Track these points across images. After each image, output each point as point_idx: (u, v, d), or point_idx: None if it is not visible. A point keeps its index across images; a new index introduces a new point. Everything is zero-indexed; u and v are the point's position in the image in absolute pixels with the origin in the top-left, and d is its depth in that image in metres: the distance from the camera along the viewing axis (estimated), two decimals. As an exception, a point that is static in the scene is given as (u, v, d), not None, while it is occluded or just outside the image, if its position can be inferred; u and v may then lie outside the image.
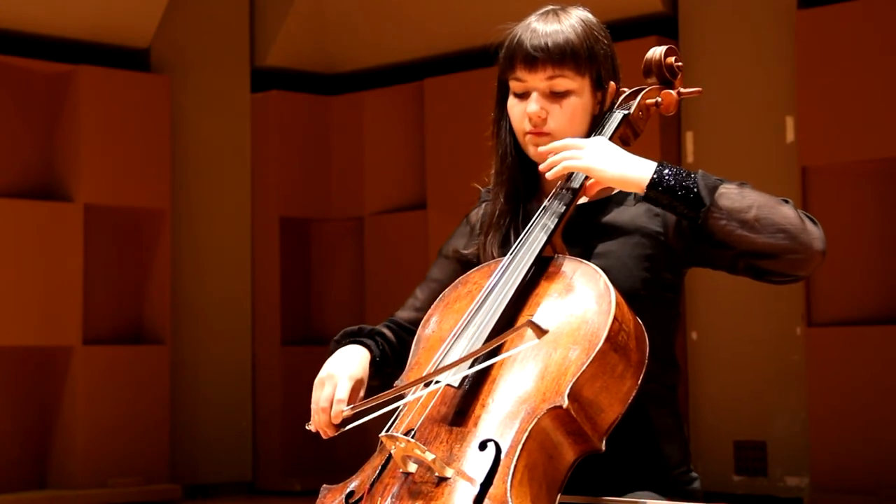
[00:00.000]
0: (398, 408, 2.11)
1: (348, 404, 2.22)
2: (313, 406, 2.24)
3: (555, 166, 2.18)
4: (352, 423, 2.20)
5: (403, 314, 2.48)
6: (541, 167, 2.22)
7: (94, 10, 6.36)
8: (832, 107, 5.39)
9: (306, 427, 2.27)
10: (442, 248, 2.51)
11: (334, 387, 2.23)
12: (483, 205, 2.46)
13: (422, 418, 2.05)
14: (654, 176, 2.12)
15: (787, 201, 2.15)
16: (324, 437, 2.26)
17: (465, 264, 2.43)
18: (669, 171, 2.12)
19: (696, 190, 2.10)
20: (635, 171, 2.13)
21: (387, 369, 2.36)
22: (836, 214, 5.45)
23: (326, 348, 2.40)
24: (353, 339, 2.36)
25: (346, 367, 2.27)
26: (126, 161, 6.39)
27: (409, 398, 2.10)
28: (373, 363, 2.32)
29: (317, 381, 2.26)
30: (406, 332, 2.42)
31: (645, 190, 2.12)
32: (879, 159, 5.35)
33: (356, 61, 7.09)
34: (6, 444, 6.10)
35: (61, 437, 6.19)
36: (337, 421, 2.21)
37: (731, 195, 2.10)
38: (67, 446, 6.17)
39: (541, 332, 1.92)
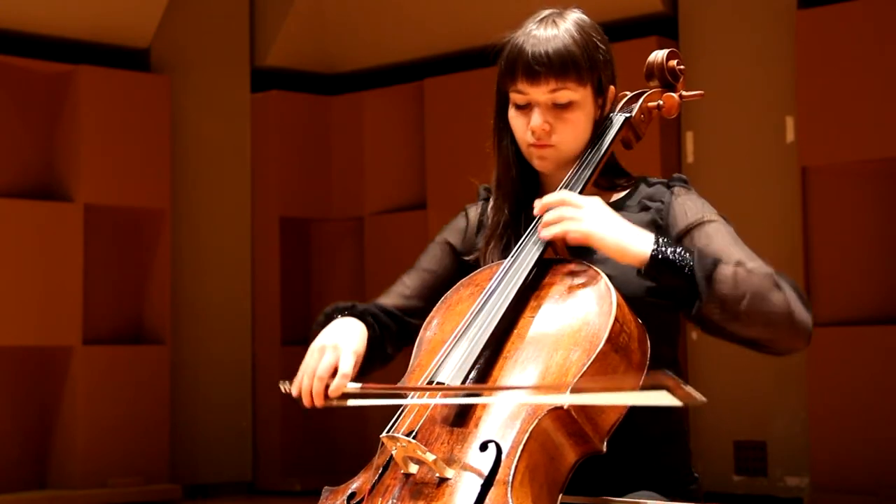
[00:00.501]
0: (400, 407, 2.10)
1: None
2: (307, 371, 2.17)
3: (550, 225, 2.13)
4: (345, 401, 2.13)
5: (388, 300, 2.42)
6: (540, 233, 2.15)
7: (94, 10, 6.36)
8: (832, 107, 5.39)
9: (281, 386, 2.19)
10: (435, 237, 2.49)
11: (337, 358, 2.17)
12: (482, 203, 2.45)
13: (423, 419, 2.05)
14: (653, 254, 2.07)
15: (779, 286, 2.11)
16: (306, 404, 2.17)
17: (461, 264, 2.42)
18: (667, 250, 2.08)
19: (692, 276, 2.05)
20: (634, 243, 2.09)
21: (378, 350, 2.32)
22: (836, 214, 5.45)
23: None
24: (348, 313, 2.31)
25: (349, 340, 2.21)
26: (126, 161, 6.39)
27: (408, 401, 2.09)
28: (369, 341, 2.28)
29: (315, 347, 2.20)
30: (391, 318, 2.37)
31: (643, 265, 2.08)
32: (879, 159, 5.35)
33: (356, 61, 7.09)
34: (6, 444, 6.10)
35: (61, 437, 6.19)
36: (336, 395, 2.13)
37: (727, 282, 2.06)
38: (67, 446, 6.17)
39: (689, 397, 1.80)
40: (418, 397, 2.06)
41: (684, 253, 2.08)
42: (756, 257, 2.18)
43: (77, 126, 6.27)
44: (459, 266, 2.42)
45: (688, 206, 2.26)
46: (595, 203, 2.14)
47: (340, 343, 2.20)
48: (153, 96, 6.51)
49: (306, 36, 7.04)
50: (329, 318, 2.32)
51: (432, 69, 6.71)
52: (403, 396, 2.10)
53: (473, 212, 2.45)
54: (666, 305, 2.24)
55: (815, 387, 5.36)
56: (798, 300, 2.12)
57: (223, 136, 6.90)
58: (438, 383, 2.05)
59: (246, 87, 7.00)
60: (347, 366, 2.16)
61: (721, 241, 2.20)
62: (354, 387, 2.11)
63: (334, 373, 2.16)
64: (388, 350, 2.37)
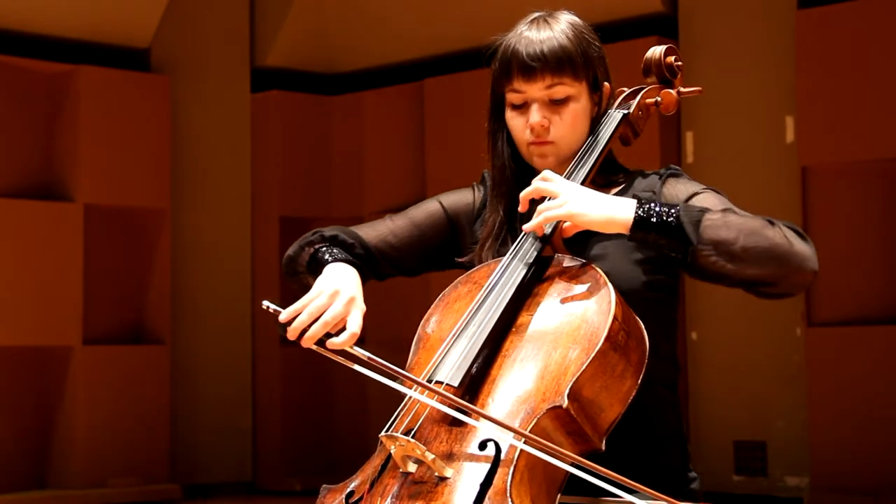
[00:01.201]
0: (400, 406, 2.10)
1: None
2: (312, 311, 2.11)
3: (533, 220, 2.13)
4: (334, 356, 2.09)
5: (371, 237, 2.39)
6: (520, 207, 2.18)
7: (94, 10, 6.36)
8: (832, 107, 5.39)
9: (266, 305, 2.10)
10: (439, 196, 2.47)
11: (348, 313, 2.12)
12: (484, 190, 2.44)
13: (422, 418, 2.05)
14: (638, 213, 2.07)
15: (771, 222, 2.09)
16: (290, 338, 2.12)
17: (449, 236, 2.42)
18: (651, 207, 2.08)
19: (680, 225, 2.05)
20: (618, 211, 2.09)
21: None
22: (836, 214, 5.45)
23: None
24: (343, 258, 2.26)
25: (359, 296, 2.17)
26: (126, 161, 6.39)
27: (398, 386, 2.08)
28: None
29: (328, 289, 2.14)
30: (369, 256, 2.36)
31: (630, 229, 2.08)
32: (879, 159, 5.35)
33: (356, 61, 7.09)
34: (6, 444, 6.10)
35: (61, 437, 6.19)
36: (335, 347, 2.09)
37: (716, 226, 2.05)
38: (67, 446, 6.17)
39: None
40: (419, 391, 2.06)
41: (669, 208, 2.08)
42: (749, 214, 2.16)
43: (77, 126, 6.27)
44: (446, 237, 2.42)
45: (678, 189, 2.28)
46: (569, 184, 2.14)
47: (355, 297, 2.16)
48: (153, 96, 6.52)
49: (306, 36, 7.04)
50: (322, 242, 2.30)
51: (432, 69, 6.71)
52: (397, 380, 2.07)
53: (479, 194, 2.45)
54: (664, 300, 2.25)
55: (815, 387, 5.36)
56: (795, 234, 2.09)
57: (223, 136, 6.90)
58: (437, 382, 2.05)
59: (246, 87, 7.00)
60: (357, 325, 2.12)
61: (712, 203, 2.20)
62: (361, 352, 2.06)
63: (335, 325, 2.11)
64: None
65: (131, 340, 6.49)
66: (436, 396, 2.03)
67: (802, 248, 2.08)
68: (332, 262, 2.26)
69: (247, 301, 6.88)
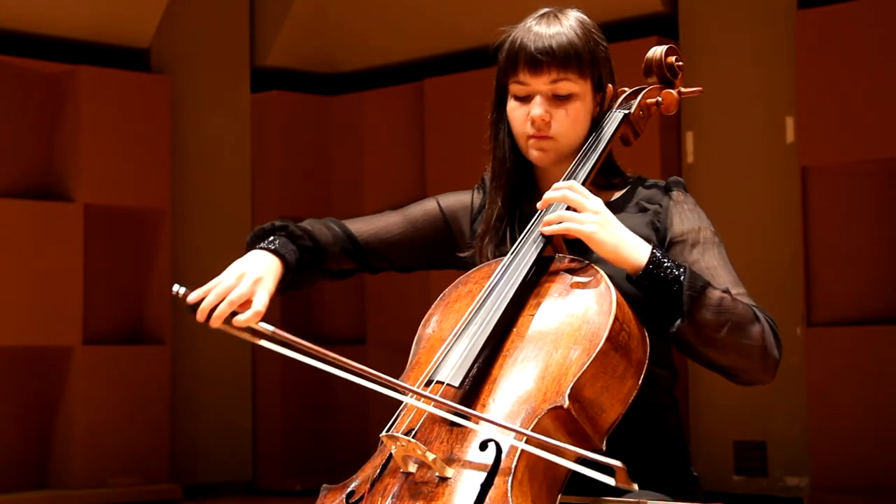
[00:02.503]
0: (399, 406, 2.10)
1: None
2: (219, 290, 2.17)
3: (554, 223, 2.15)
4: (243, 333, 2.16)
5: (364, 231, 2.43)
6: (539, 204, 2.20)
7: (94, 10, 6.36)
8: (832, 107, 5.39)
9: (175, 288, 2.18)
10: (438, 196, 2.48)
11: (253, 293, 2.18)
12: (482, 194, 2.44)
13: (422, 418, 2.05)
14: (650, 265, 2.10)
15: (758, 318, 2.15)
16: (199, 319, 2.17)
17: (444, 238, 2.43)
18: (662, 262, 2.11)
19: (680, 293, 2.08)
20: (632, 253, 2.12)
21: (304, 275, 2.34)
22: (836, 214, 5.45)
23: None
24: (269, 248, 2.29)
25: (268, 279, 2.22)
26: (126, 161, 6.39)
27: (309, 360, 2.12)
28: (290, 269, 2.28)
29: (235, 271, 2.21)
30: (354, 248, 2.40)
31: (636, 274, 2.11)
32: (879, 159, 5.36)
33: (356, 61, 7.09)
34: (6, 444, 6.10)
35: (61, 437, 6.19)
36: (240, 325, 2.16)
37: (711, 308, 2.10)
38: (67, 446, 6.17)
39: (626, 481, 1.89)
40: (408, 395, 2.06)
41: (677, 269, 2.11)
42: (740, 284, 2.22)
43: (77, 126, 6.27)
44: (441, 236, 2.44)
45: (685, 215, 2.28)
46: (597, 205, 2.15)
47: (262, 278, 2.22)
48: (153, 96, 6.51)
49: (306, 36, 7.04)
50: (268, 234, 2.33)
51: (432, 69, 6.71)
52: (310, 355, 2.11)
53: (479, 196, 2.45)
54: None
55: (815, 387, 5.36)
56: (772, 336, 2.18)
57: (223, 136, 6.90)
58: (438, 382, 2.06)
59: (246, 87, 7.00)
60: (261, 304, 2.18)
61: (711, 259, 2.23)
62: (266, 327, 2.15)
63: (242, 305, 2.18)
64: (324, 272, 2.39)
65: (131, 340, 6.49)
66: (410, 394, 2.04)
67: (773, 352, 2.18)
68: (255, 250, 2.30)
69: (247, 301, 6.87)
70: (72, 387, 6.18)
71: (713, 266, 2.21)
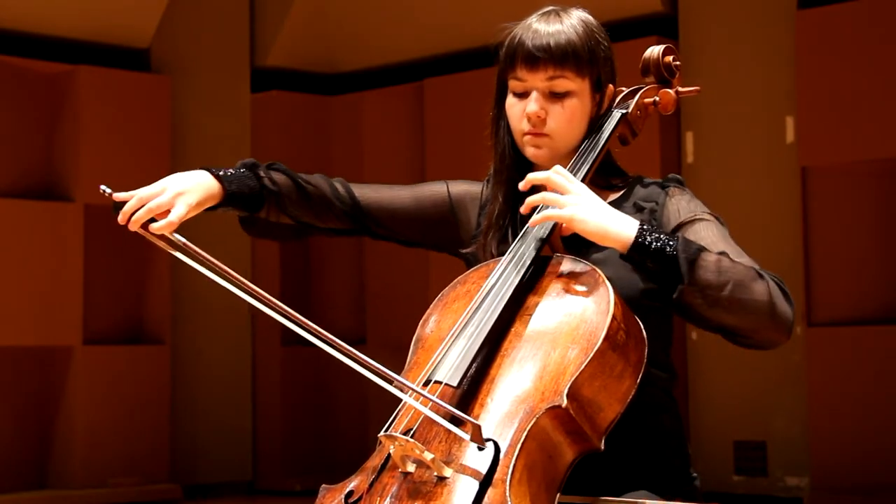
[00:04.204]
0: (398, 407, 2.10)
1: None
2: (141, 197, 2.25)
3: (535, 208, 2.15)
4: (158, 240, 2.24)
5: (372, 198, 2.46)
6: (522, 209, 2.18)
7: (94, 10, 6.36)
8: (832, 107, 5.39)
9: (103, 188, 2.29)
10: (450, 181, 2.50)
11: (172, 205, 2.25)
12: (489, 185, 2.44)
13: (421, 418, 2.05)
14: (638, 237, 2.09)
15: (762, 276, 2.12)
16: (120, 221, 2.26)
17: (448, 223, 2.45)
18: (652, 232, 2.09)
19: (675, 258, 2.07)
20: (618, 227, 2.10)
21: (252, 212, 2.38)
22: (836, 214, 5.45)
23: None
24: (222, 174, 2.35)
25: (193, 193, 2.28)
26: (126, 161, 6.39)
27: (216, 278, 2.21)
28: (225, 200, 2.33)
29: (165, 182, 2.28)
30: (354, 206, 2.43)
31: (627, 249, 2.09)
32: (879, 159, 5.36)
33: (356, 61, 7.10)
34: (6, 444, 6.10)
35: (61, 437, 6.19)
36: (155, 231, 2.23)
37: (710, 268, 2.07)
38: (67, 446, 6.17)
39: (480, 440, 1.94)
40: (401, 389, 2.06)
41: (668, 238, 2.09)
42: (744, 254, 2.19)
43: (77, 126, 6.27)
44: (443, 218, 2.46)
45: (681, 206, 2.27)
46: (579, 188, 2.15)
47: (186, 192, 2.28)
48: (153, 96, 6.52)
49: (306, 36, 7.04)
50: (255, 168, 2.38)
51: (432, 69, 6.71)
52: (221, 275, 2.25)
53: (487, 190, 2.45)
54: (661, 309, 2.24)
55: (815, 387, 5.35)
56: (780, 293, 2.12)
57: (223, 136, 6.89)
58: (436, 381, 2.06)
59: (246, 87, 7.00)
60: (177, 215, 2.25)
61: (710, 236, 2.21)
62: (179, 238, 2.24)
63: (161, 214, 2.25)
64: (302, 220, 2.43)
65: (131, 340, 6.49)
66: (395, 382, 2.05)
67: (784, 308, 2.12)
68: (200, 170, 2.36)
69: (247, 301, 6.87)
70: (72, 387, 6.18)
71: (713, 240, 2.18)
